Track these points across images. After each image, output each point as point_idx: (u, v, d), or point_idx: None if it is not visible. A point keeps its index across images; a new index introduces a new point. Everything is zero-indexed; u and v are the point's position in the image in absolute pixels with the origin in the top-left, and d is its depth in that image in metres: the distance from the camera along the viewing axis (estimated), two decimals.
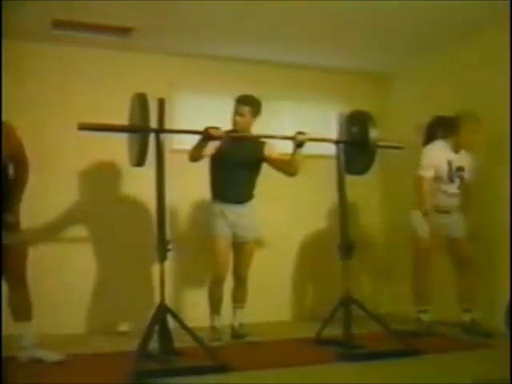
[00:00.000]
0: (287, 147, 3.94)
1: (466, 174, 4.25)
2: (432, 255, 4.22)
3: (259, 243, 4.48)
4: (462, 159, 4.24)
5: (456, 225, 4.24)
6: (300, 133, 3.82)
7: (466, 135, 4.15)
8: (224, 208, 3.97)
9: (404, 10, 4.13)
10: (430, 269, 4.22)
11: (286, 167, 4.00)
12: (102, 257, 4.66)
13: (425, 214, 4.17)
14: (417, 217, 4.24)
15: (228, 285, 4.11)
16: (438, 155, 4.21)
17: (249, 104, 3.99)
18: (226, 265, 4.00)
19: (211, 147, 3.84)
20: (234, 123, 4.01)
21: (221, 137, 3.65)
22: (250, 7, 4.08)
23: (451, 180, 4.21)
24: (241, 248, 4.08)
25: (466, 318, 4.20)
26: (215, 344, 3.74)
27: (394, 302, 5.21)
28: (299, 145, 3.84)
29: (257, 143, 4.09)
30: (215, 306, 4.00)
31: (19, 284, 3.37)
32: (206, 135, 3.59)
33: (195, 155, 3.81)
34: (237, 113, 3.99)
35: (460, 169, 4.22)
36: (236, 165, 3.97)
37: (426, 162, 4.20)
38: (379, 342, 3.65)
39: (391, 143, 4.18)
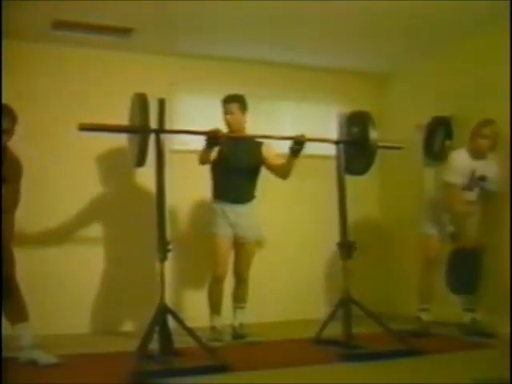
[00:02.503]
0: (286, 147, 3.95)
1: (489, 184, 4.15)
2: (440, 255, 4.23)
3: (260, 243, 4.49)
4: (486, 168, 4.13)
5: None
6: (297, 141, 3.78)
7: (478, 141, 4.09)
8: (225, 208, 3.99)
9: (404, 10, 4.13)
10: (437, 268, 4.24)
11: (279, 171, 4.05)
12: (104, 257, 4.66)
13: (455, 217, 4.16)
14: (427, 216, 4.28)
15: (229, 285, 4.12)
16: (463, 162, 4.13)
17: (235, 101, 4.06)
18: (226, 264, 4.01)
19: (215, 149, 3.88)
20: (227, 123, 4.06)
21: (224, 137, 3.67)
22: (250, 8, 4.08)
23: (470, 188, 4.15)
24: (242, 248, 4.08)
25: (467, 317, 4.19)
26: (216, 344, 3.74)
27: (394, 302, 5.22)
28: (295, 152, 3.83)
29: (254, 143, 4.11)
30: (215, 305, 4.01)
31: (11, 287, 3.33)
32: (213, 135, 3.57)
33: (204, 159, 3.86)
34: (227, 112, 4.06)
35: (482, 178, 4.12)
36: (236, 165, 3.99)
37: (454, 168, 4.12)
38: (379, 342, 3.65)
39: (391, 143, 4.18)
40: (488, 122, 4.11)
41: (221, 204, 4.01)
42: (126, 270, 4.66)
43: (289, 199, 5.20)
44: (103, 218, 4.70)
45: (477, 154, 4.13)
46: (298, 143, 3.78)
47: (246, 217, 4.03)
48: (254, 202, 4.10)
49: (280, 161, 4.03)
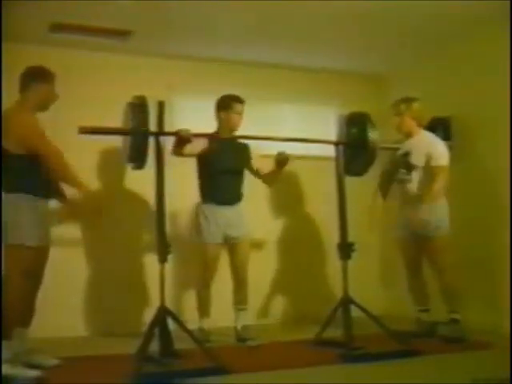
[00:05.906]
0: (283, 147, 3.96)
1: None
2: (417, 255, 4.15)
3: (258, 245, 4.48)
4: (420, 142, 4.11)
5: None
6: (281, 153, 3.93)
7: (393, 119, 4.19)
8: (214, 209, 4.00)
9: (403, 11, 4.14)
10: (416, 267, 4.18)
11: (266, 179, 4.19)
12: (102, 258, 4.66)
13: None
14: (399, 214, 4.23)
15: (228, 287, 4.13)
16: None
17: (243, 102, 4.08)
18: (214, 270, 4.05)
19: (196, 148, 3.91)
20: (236, 123, 4.06)
21: (190, 140, 3.64)
22: (249, 10, 4.09)
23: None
24: (235, 249, 4.09)
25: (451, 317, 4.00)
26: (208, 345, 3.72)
27: (395, 304, 5.20)
28: (281, 164, 3.95)
29: (241, 145, 4.18)
30: (203, 308, 4.06)
31: (36, 286, 3.26)
32: (177, 137, 3.63)
33: (176, 153, 3.82)
34: (236, 112, 4.05)
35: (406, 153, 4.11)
36: (225, 166, 4.02)
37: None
38: (379, 343, 3.65)
39: (390, 144, 4.19)
40: (400, 99, 4.18)
41: (210, 206, 4.02)
42: (123, 271, 4.66)
43: (289, 200, 5.19)
44: (102, 219, 4.68)
45: (401, 133, 4.20)
46: (284, 158, 3.92)
47: (236, 217, 4.06)
48: (242, 202, 4.13)
49: (267, 169, 4.12)
